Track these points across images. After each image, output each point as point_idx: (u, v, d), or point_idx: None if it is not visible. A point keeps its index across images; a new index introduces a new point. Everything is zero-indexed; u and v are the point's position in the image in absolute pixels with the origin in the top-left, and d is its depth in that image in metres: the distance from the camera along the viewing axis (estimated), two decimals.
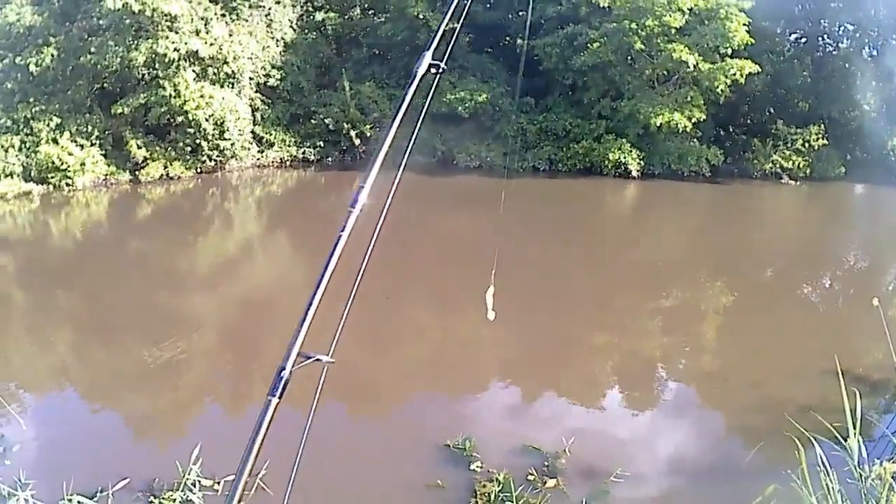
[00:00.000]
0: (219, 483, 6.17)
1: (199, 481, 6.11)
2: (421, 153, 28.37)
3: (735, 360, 11.07)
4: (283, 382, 2.29)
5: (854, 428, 4.71)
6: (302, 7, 31.68)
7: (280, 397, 2.28)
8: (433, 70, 2.69)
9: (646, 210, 26.41)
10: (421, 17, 29.63)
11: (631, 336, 12.19)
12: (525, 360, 10.71)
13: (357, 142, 29.47)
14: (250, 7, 28.41)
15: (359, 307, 8.57)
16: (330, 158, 29.99)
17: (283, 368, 2.29)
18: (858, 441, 4.69)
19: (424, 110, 2.75)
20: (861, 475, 4.61)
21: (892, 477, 4.38)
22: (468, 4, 3.05)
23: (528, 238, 18.46)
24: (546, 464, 7.06)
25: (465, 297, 12.56)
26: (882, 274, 18.36)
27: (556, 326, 12.16)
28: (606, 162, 29.20)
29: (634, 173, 29.26)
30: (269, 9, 29.38)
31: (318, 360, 2.39)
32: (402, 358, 10.46)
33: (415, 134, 2.75)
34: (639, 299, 14.34)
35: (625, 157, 29.12)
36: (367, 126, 29.37)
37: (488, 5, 33.45)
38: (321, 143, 29.62)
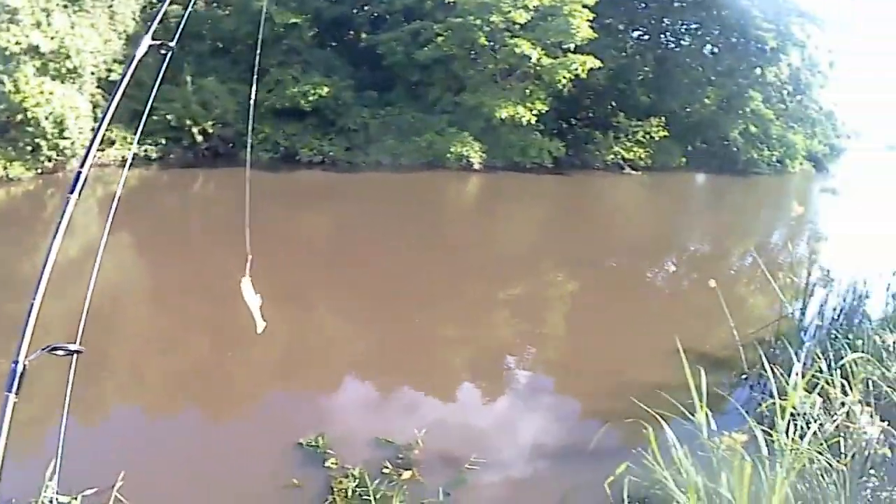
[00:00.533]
0: (76, 498, 6.04)
1: (56, 498, 5.81)
2: (263, 149, 29.64)
3: (585, 346, 11.50)
4: (18, 377, 2.15)
5: (700, 402, 4.97)
6: None
7: (17, 393, 2.16)
8: (162, 51, 2.78)
9: (490, 202, 27.86)
10: (266, 11, 30.39)
11: (481, 328, 12.41)
12: (374, 354, 10.85)
13: (200, 139, 29.83)
14: None
15: (202, 307, 11.96)
16: (172, 156, 29.86)
17: (17, 362, 2.16)
18: (706, 415, 4.95)
19: (153, 91, 2.97)
20: (713, 447, 4.91)
21: (742, 446, 4.67)
22: None
23: (373, 233, 19.19)
24: (400, 456, 7.17)
25: (312, 293, 13.51)
26: (724, 258, 19.68)
27: (403, 320, 12.25)
28: (449, 155, 30.82)
29: (477, 166, 31.22)
30: (112, 0, 29.43)
31: (65, 350, 2.28)
32: (247, 355, 10.10)
33: (142, 119, 3.38)
34: (487, 291, 14.71)
35: (467, 151, 30.98)
36: (210, 122, 29.80)
37: (331, 1, 34.46)
38: (163, 141, 29.60)
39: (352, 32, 36.08)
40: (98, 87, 28.31)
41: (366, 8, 35.46)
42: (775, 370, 5.83)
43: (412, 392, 9.51)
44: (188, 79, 30.24)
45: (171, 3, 3.20)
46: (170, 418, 8.34)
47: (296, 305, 12.65)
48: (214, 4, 33.93)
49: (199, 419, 8.52)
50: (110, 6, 29.34)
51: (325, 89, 31.14)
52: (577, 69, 32.03)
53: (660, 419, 5.40)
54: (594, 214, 26.09)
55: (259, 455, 7.30)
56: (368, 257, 16.37)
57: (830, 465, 5.03)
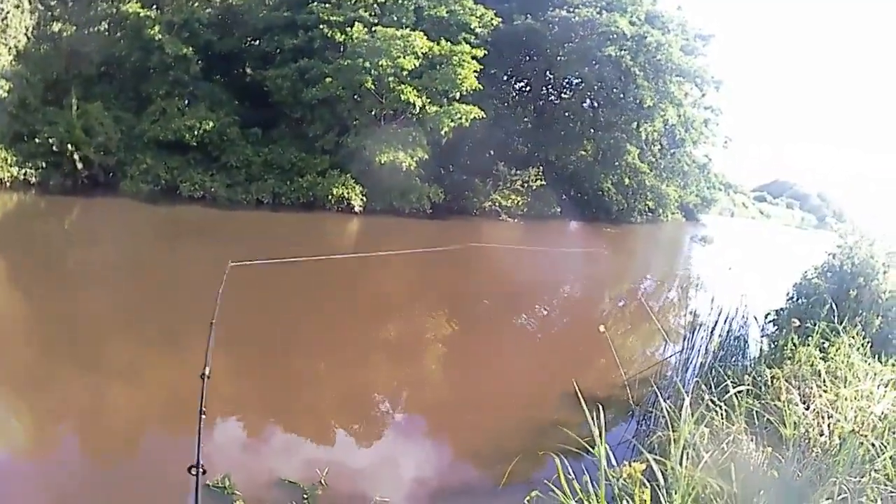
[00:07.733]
0: None
1: None
2: (144, 180, 29.46)
3: (479, 387, 11.82)
4: None
5: (601, 437, 5.28)
6: (41, 15, 31.04)
7: None
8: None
9: (368, 245, 27.53)
10: (157, 39, 30.90)
11: (369, 370, 12.44)
12: (263, 398, 10.69)
13: (80, 166, 29.14)
14: None
15: (81, 351, 11.23)
16: (52, 182, 29.03)
17: None
18: (606, 447, 5.25)
19: None
20: (613, 476, 5.19)
21: (641, 474, 4.95)
22: None
23: (250, 277, 17.27)
24: (305, 496, 7.23)
25: (191, 335, 11.92)
26: (598, 301, 20.78)
27: (290, 364, 12.16)
28: (330, 196, 31.50)
29: (357, 209, 31.99)
30: (7, 13, 29.01)
31: None
32: (135, 400, 9.87)
33: None
34: (371, 335, 14.66)
35: (348, 193, 31.73)
36: (92, 149, 29.21)
37: (221, 35, 34.93)
38: (43, 165, 28.72)
39: (240, 67, 36.32)
40: None
41: (255, 43, 35.71)
42: (665, 405, 6.44)
43: (309, 434, 9.47)
44: (74, 102, 29.51)
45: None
46: (52, 463, 7.97)
47: (173, 345, 12.27)
48: (107, 29, 33.35)
49: (99, 460, 8.25)
50: (3, 19, 28.96)
51: (210, 124, 31.15)
52: (460, 118, 32.83)
53: (563, 452, 5.61)
54: (473, 260, 26.28)
55: (169, 498, 7.23)
56: (244, 303, 15.03)
57: (722, 488, 5.32)
